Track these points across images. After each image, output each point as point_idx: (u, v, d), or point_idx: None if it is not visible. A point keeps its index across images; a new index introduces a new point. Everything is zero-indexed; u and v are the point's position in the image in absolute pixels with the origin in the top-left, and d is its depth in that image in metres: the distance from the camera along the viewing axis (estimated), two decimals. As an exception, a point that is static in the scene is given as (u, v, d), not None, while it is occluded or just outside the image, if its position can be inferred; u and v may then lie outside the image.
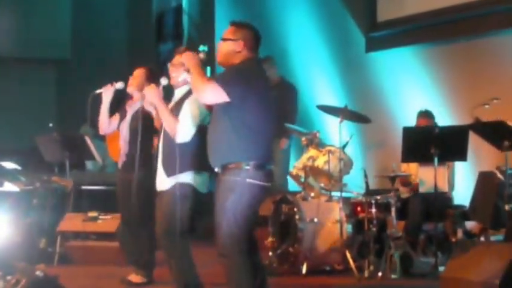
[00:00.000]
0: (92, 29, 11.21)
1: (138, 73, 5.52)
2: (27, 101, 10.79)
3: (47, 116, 9.67)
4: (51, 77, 11.51)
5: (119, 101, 5.73)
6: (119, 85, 5.49)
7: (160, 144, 4.75)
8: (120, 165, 5.58)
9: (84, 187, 7.38)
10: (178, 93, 4.80)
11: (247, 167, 3.98)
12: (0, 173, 5.85)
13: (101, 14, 11.39)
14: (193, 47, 4.31)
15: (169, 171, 4.60)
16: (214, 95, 3.95)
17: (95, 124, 5.70)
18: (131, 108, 5.56)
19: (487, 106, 5.73)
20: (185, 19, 10.42)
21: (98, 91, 5.52)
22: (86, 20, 11.23)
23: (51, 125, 7.04)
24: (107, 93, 5.49)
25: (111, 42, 11.27)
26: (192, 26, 10.33)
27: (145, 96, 4.74)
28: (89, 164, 8.20)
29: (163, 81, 4.71)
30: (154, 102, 4.66)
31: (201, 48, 4.22)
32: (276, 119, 4.18)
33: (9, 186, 5.93)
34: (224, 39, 4.11)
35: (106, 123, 5.56)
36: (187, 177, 4.59)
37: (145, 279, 5.51)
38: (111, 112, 5.62)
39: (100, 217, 6.54)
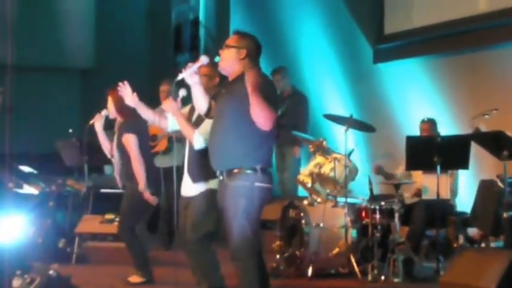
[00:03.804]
0: (115, 40, 11.35)
1: (110, 98, 5.77)
2: (53, 108, 10.92)
3: (71, 123, 9.87)
4: (76, 85, 11.68)
5: None
6: (105, 112, 5.82)
7: (186, 151, 4.71)
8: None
9: (103, 190, 7.53)
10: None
11: (255, 171, 4.01)
12: (19, 176, 6.10)
13: (123, 26, 11.52)
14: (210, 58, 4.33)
15: (196, 178, 4.61)
16: (271, 119, 3.98)
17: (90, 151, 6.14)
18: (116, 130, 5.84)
19: (486, 116, 5.74)
20: (202, 31, 10.50)
21: (90, 122, 5.88)
22: (108, 31, 11.37)
23: (71, 130, 7.23)
24: (97, 122, 5.83)
25: (132, 52, 11.35)
26: (209, 38, 10.39)
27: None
28: (107, 169, 8.25)
29: (182, 92, 4.68)
30: (173, 114, 4.57)
31: (217, 59, 4.22)
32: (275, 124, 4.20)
33: (28, 189, 6.15)
34: (228, 46, 4.16)
35: (108, 147, 5.88)
36: (215, 184, 4.42)
37: (143, 278, 5.66)
38: None
39: (116, 219, 6.50)
